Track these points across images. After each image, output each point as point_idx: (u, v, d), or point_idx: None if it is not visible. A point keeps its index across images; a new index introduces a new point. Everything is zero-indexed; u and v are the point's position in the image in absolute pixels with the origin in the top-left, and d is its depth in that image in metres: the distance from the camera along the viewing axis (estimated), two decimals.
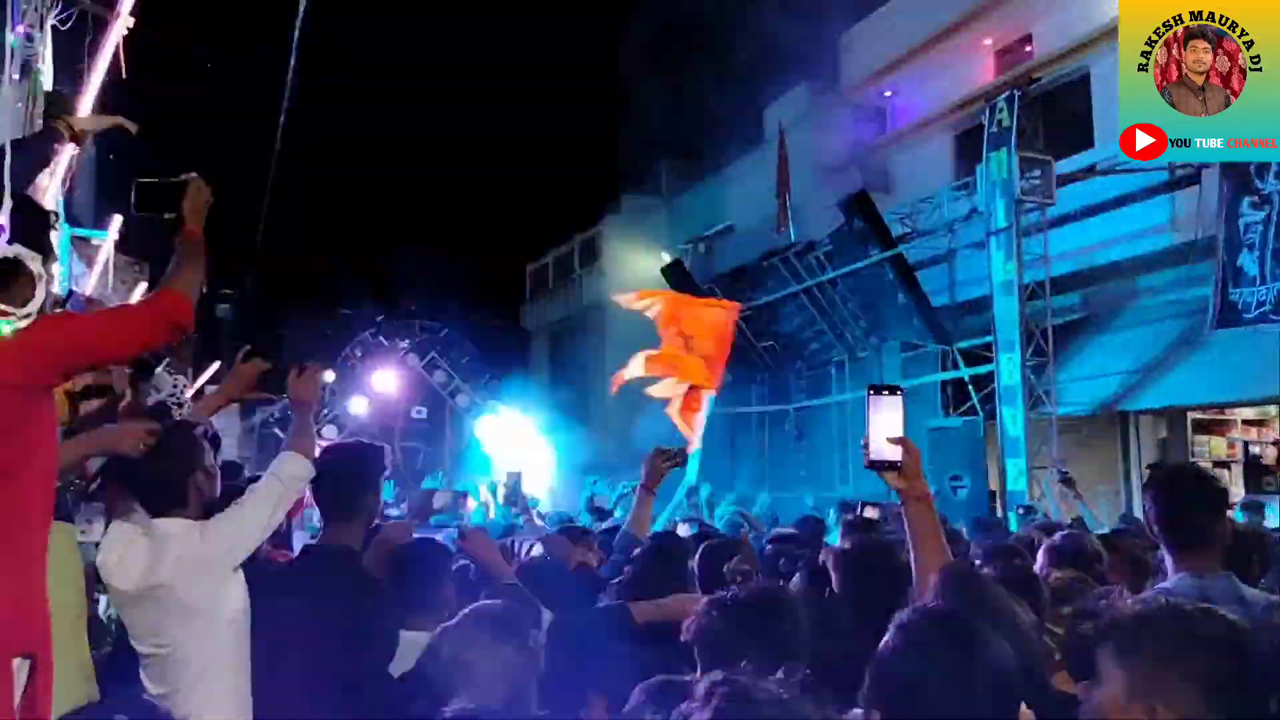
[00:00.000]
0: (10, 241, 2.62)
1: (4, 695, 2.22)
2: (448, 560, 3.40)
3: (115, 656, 3.08)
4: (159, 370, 4.41)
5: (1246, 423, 12.64)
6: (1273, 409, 12.13)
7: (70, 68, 6.86)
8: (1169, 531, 2.90)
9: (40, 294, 2.15)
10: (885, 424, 2.35)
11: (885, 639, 1.77)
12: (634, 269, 26.64)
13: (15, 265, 2.21)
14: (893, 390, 2.40)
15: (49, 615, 2.40)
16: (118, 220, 11.36)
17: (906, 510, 2.42)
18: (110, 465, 2.82)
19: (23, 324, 2.15)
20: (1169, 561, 2.91)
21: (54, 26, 6.73)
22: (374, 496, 3.20)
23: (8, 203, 2.86)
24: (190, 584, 2.68)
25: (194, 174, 2.73)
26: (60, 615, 2.52)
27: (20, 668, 2.28)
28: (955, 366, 13.45)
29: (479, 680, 2.21)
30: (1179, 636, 1.57)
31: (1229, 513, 4.67)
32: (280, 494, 2.85)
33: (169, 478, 2.79)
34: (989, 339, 12.09)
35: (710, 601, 2.38)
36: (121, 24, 6.44)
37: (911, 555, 2.45)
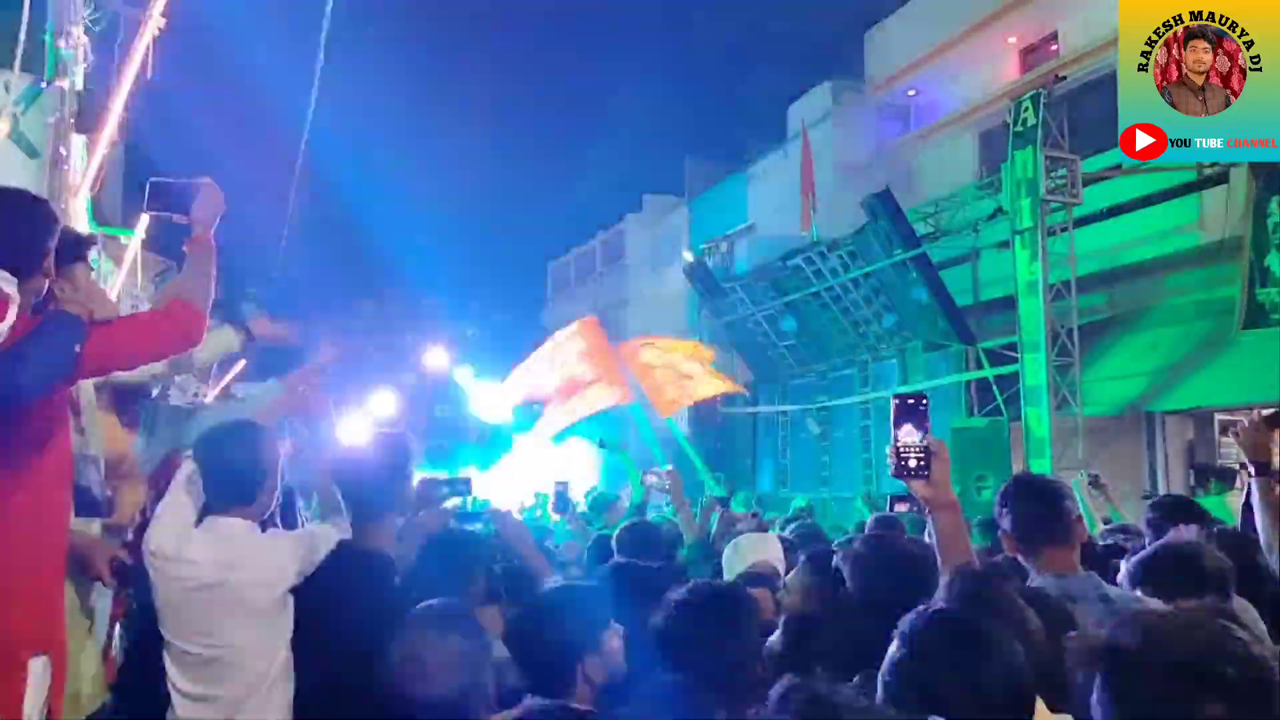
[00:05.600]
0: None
1: (14, 695, 2.21)
2: (478, 550, 3.37)
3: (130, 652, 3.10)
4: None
5: None
6: None
7: (102, 67, 6.96)
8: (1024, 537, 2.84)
9: (11, 315, 2.18)
10: (910, 432, 2.36)
11: (892, 645, 1.77)
12: (656, 267, 26.68)
13: None
14: (918, 399, 2.40)
15: (62, 613, 2.40)
16: (145, 220, 11.46)
17: (933, 518, 2.40)
18: (199, 451, 2.85)
19: None
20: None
21: (86, 27, 6.83)
22: (400, 494, 3.21)
23: None
24: (265, 588, 2.70)
25: (207, 178, 2.73)
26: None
27: (42, 667, 2.27)
28: (979, 366, 13.39)
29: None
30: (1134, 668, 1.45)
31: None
32: (326, 549, 2.92)
33: (258, 477, 2.82)
34: (1014, 339, 12.03)
35: (676, 600, 2.47)
36: (153, 25, 6.52)
37: (939, 562, 2.42)
